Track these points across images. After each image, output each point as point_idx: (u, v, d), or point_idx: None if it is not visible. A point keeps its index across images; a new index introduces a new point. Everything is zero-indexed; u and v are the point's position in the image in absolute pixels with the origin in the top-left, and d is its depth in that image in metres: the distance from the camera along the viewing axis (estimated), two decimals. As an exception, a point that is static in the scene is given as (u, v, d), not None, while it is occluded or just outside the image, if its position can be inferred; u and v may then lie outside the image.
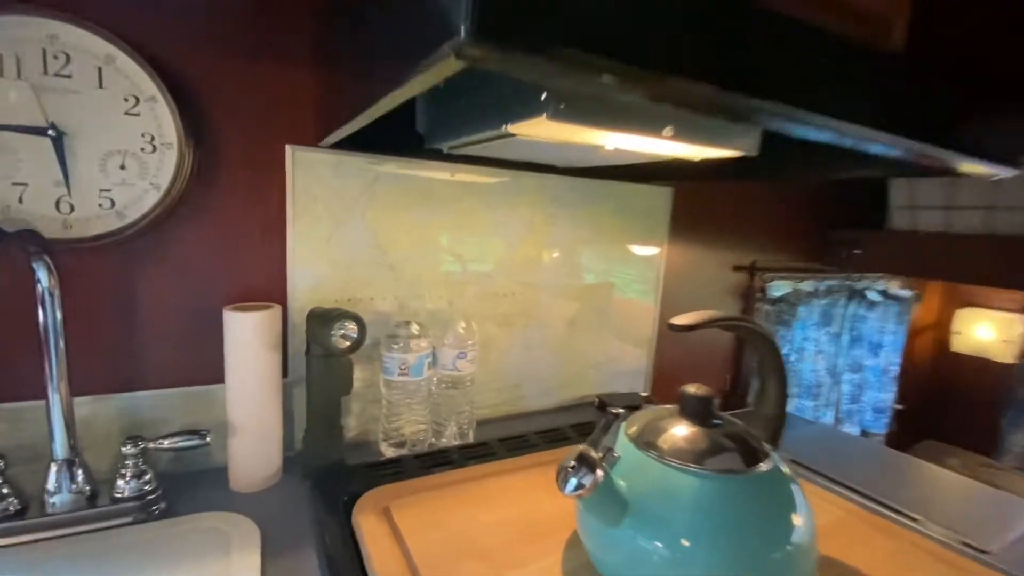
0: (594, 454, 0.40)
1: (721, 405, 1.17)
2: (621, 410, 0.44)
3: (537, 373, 0.92)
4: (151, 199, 0.58)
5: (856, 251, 1.22)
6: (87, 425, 0.58)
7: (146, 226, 0.59)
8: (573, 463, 0.39)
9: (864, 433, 1.47)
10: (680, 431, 0.46)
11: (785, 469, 0.46)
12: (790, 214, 1.23)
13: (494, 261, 0.84)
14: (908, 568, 0.52)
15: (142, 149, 0.58)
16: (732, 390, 1.20)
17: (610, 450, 0.42)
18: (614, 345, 1.00)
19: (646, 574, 0.42)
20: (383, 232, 0.74)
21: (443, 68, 0.23)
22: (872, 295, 1.34)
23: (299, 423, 0.71)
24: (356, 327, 0.64)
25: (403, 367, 0.70)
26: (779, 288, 1.17)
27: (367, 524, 0.53)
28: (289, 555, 0.51)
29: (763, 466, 0.44)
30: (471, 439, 0.77)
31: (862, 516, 0.62)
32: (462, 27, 0.20)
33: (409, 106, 0.63)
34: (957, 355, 1.61)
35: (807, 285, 1.24)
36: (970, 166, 0.48)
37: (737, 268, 1.16)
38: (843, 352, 1.35)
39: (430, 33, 0.23)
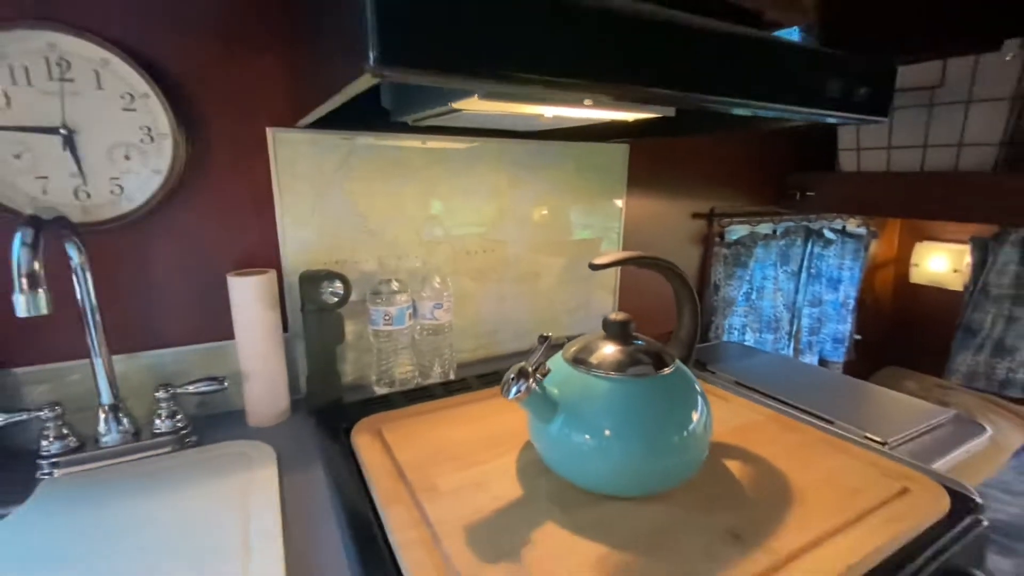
0: (529, 368, 0.51)
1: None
2: (550, 335, 0.55)
3: (512, 319, 1.03)
4: (155, 183, 0.68)
5: (809, 193, 1.30)
6: (123, 378, 0.69)
7: (153, 207, 0.68)
8: (513, 375, 0.51)
9: (823, 362, 1.60)
10: (605, 349, 0.57)
11: (688, 374, 0.57)
12: (746, 162, 1.31)
13: (465, 221, 0.93)
14: (804, 454, 0.64)
15: (141, 140, 0.66)
16: (696, 328, 1.32)
17: (543, 364, 0.53)
18: (582, 292, 1.11)
19: (578, 461, 0.54)
20: (362, 200, 0.83)
21: (364, 82, 0.32)
22: (828, 234, 1.44)
23: (302, 370, 0.82)
24: (342, 285, 0.74)
25: (387, 318, 0.81)
26: (736, 232, 1.27)
27: (362, 441, 0.65)
28: (300, 468, 0.63)
29: (667, 371, 0.55)
30: (452, 377, 0.89)
31: (779, 420, 0.74)
32: (370, 56, 0.29)
33: (373, 87, 0.71)
34: (915, 286, 1.72)
35: (764, 228, 1.33)
36: (846, 115, 0.57)
37: (696, 215, 1.25)
38: (802, 288, 1.46)
39: (354, 56, 0.32)
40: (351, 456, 0.64)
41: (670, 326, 1.28)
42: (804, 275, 1.45)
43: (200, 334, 0.75)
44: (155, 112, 0.66)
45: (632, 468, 0.53)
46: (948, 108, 1.04)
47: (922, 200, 1.13)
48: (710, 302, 1.30)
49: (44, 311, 0.48)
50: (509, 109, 0.58)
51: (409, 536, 0.48)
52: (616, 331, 0.58)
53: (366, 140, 0.82)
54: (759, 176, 1.34)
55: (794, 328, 1.48)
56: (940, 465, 0.79)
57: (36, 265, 0.48)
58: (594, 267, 0.56)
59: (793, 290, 1.45)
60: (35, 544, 0.49)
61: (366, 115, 0.72)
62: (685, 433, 0.54)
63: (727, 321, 1.32)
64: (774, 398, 0.87)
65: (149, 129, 0.66)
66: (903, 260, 1.75)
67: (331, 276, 0.74)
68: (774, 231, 1.35)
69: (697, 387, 0.57)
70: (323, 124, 0.74)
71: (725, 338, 1.32)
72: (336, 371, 0.80)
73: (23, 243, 0.48)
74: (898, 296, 1.78)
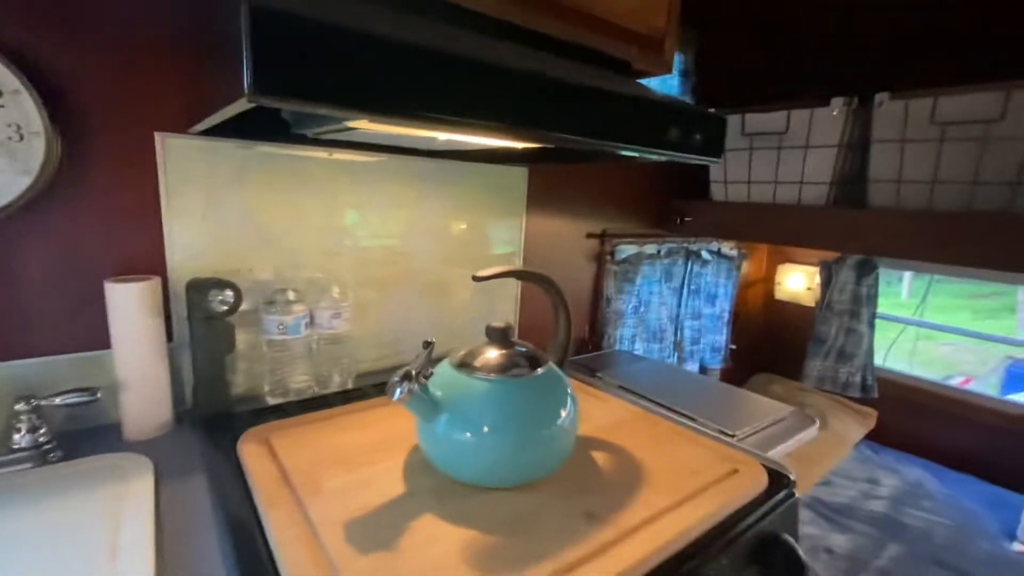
0: (413, 371, 0.55)
1: (581, 348, 1.39)
2: (433, 340, 0.59)
3: (416, 330, 1.06)
4: (22, 183, 0.64)
5: (687, 218, 1.47)
6: (-25, 391, 0.64)
7: (21, 207, 0.64)
8: (397, 378, 0.55)
9: (703, 369, 1.78)
10: (488, 354, 0.63)
11: (559, 374, 0.64)
12: (636, 188, 1.45)
13: (369, 233, 0.96)
14: (660, 445, 0.73)
15: (10, 138, 0.63)
16: (590, 336, 1.43)
17: (426, 367, 0.58)
18: (485, 304, 1.17)
19: (459, 457, 0.59)
20: (259, 209, 0.83)
21: (240, 105, 0.35)
22: (705, 255, 1.62)
23: (188, 380, 0.80)
24: (232, 293, 0.74)
25: (281, 327, 0.81)
26: (625, 251, 1.40)
27: (248, 450, 0.65)
28: (179, 479, 0.62)
29: (540, 371, 0.62)
30: (350, 386, 0.90)
31: (646, 417, 0.83)
32: (245, 85, 0.33)
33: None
34: (779, 302, 1.97)
35: (650, 248, 1.48)
36: (692, 158, 0.68)
37: (590, 235, 1.37)
38: (684, 303, 1.63)
39: (235, 81, 0.35)
40: (236, 465, 0.64)
41: (573, 333, 1.36)
42: (685, 291, 1.62)
43: (73, 343, 0.71)
44: (26, 109, 0.63)
45: (507, 461, 0.59)
46: (792, 151, 1.24)
47: (774, 228, 1.32)
48: (603, 314, 1.41)
49: None
50: (401, 131, 0.63)
51: (289, 534, 0.49)
52: (497, 337, 0.64)
53: (266, 149, 0.82)
54: (646, 201, 1.49)
55: (677, 338, 1.64)
56: (776, 452, 0.93)
57: None
58: (477, 279, 0.62)
59: (676, 304, 1.61)
60: None
61: (266, 125, 0.73)
62: (554, 427, 0.60)
63: (618, 332, 1.44)
64: (648, 399, 0.98)
65: (19, 127, 0.63)
66: (770, 279, 2.00)
67: (220, 284, 0.73)
68: (659, 251, 1.50)
69: (567, 387, 0.64)
70: (219, 132, 0.74)
71: (617, 347, 1.44)
72: (225, 381, 0.78)
73: None
74: (766, 310, 2.03)
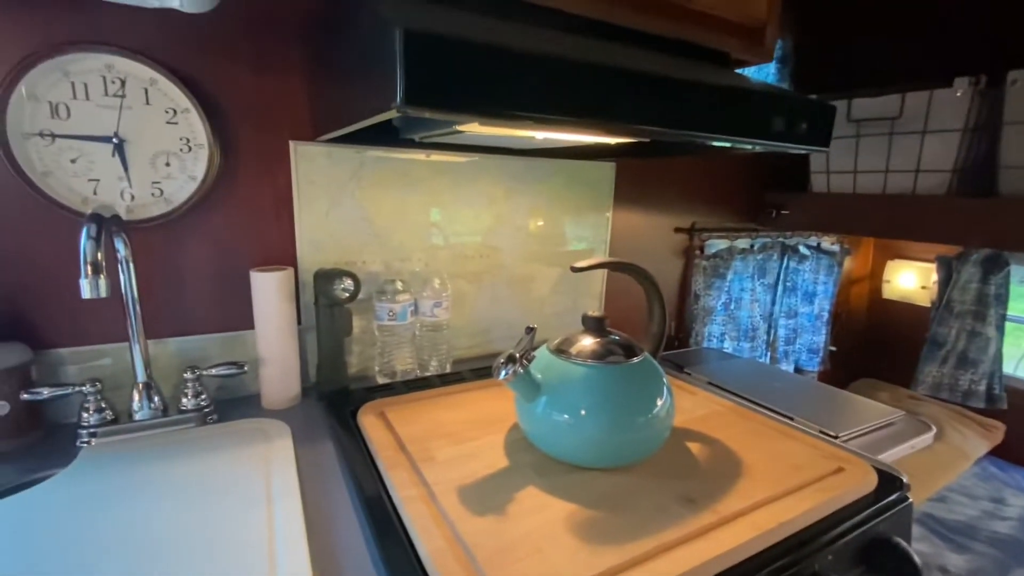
0: (517, 354, 0.60)
1: (668, 345, 1.38)
2: (535, 326, 0.63)
3: (504, 320, 1.11)
4: (190, 188, 0.76)
5: (784, 211, 1.40)
6: (154, 360, 0.77)
7: (188, 209, 0.77)
8: (503, 359, 0.59)
9: (799, 371, 1.68)
10: (583, 342, 0.66)
11: (654, 364, 0.66)
12: (726, 180, 1.41)
13: (464, 229, 1.02)
14: (756, 439, 0.72)
15: (180, 150, 0.75)
16: (676, 334, 1.41)
17: (528, 351, 0.62)
18: (570, 297, 1.20)
19: (557, 437, 0.62)
20: (371, 207, 0.92)
21: (390, 114, 0.41)
22: (803, 250, 1.53)
23: (312, 360, 0.90)
24: (352, 282, 0.83)
25: (391, 314, 0.89)
26: (715, 246, 1.36)
27: (367, 420, 0.73)
28: (311, 442, 0.71)
29: (636, 360, 0.64)
30: (448, 370, 0.97)
31: (739, 412, 0.82)
32: (397, 96, 0.38)
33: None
34: (887, 301, 1.82)
35: (742, 242, 1.43)
36: (797, 148, 0.67)
37: (678, 230, 1.35)
38: (778, 300, 1.55)
39: (381, 96, 0.41)
40: (357, 433, 0.72)
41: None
42: (780, 288, 1.55)
43: (223, 323, 0.84)
44: (194, 125, 0.75)
45: (603, 442, 0.61)
46: (906, 137, 1.15)
47: (884, 220, 1.23)
48: (690, 310, 1.39)
49: (104, 294, 0.56)
50: (504, 132, 0.68)
51: (410, 493, 0.56)
52: (593, 326, 0.67)
53: (376, 153, 0.91)
54: (738, 194, 1.44)
55: (770, 337, 1.57)
56: (885, 456, 0.88)
57: (99, 255, 0.56)
58: (575, 270, 0.65)
59: (770, 302, 1.54)
60: (77, 499, 0.57)
61: (378, 132, 0.81)
62: (649, 414, 0.62)
63: (707, 329, 1.41)
64: (739, 395, 0.96)
65: (188, 140, 0.75)
66: (876, 276, 1.85)
67: (343, 274, 0.82)
68: (752, 246, 1.45)
69: (662, 377, 0.66)
70: (339, 139, 0.83)
71: (705, 344, 1.41)
72: (344, 361, 0.88)
73: (89, 236, 0.56)
74: (871, 310, 1.88)
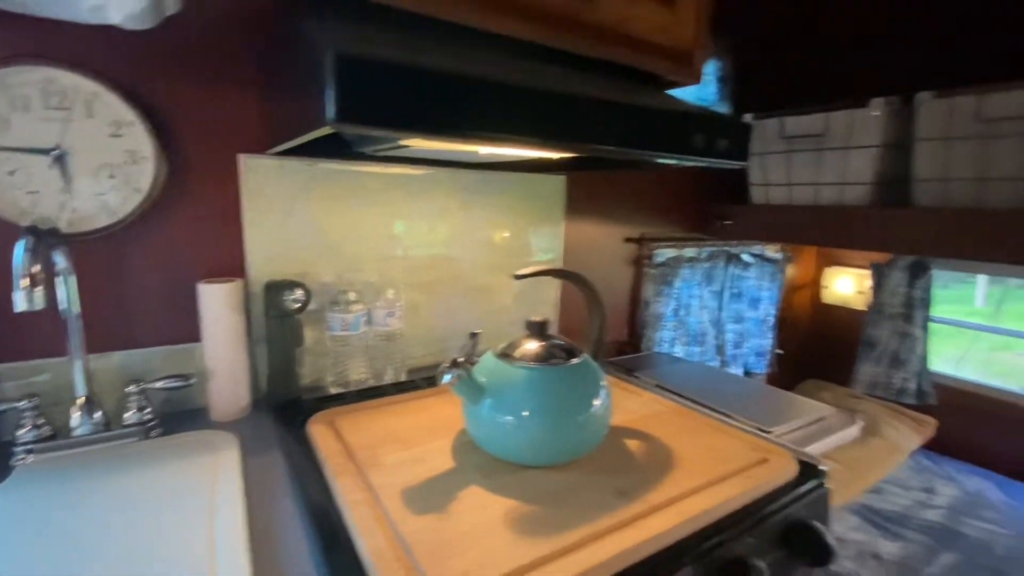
0: (460, 359, 0.62)
1: (620, 350, 1.43)
2: (479, 332, 0.66)
3: (460, 329, 1.13)
4: (135, 200, 0.76)
5: (727, 222, 1.48)
6: (97, 374, 0.76)
7: (132, 221, 0.76)
8: (446, 365, 0.62)
9: (747, 373, 1.76)
10: (527, 346, 0.69)
11: (594, 366, 0.70)
12: (674, 193, 1.48)
13: (419, 240, 1.05)
14: (691, 435, 0.76)
15: (125, 162, 0.75)
16: (629, 339, 1.46)
17: (471, 356, 0.64)
18: (527, 306, 1.23)
19: (502, 437, 0.65)
20: (324, 219, 0.94)
21: (325, 129, 0.44)
22: (747, 258, 1.62)
23: (262, 371, 0.90)
24: (303, 293, 0.84)
25: (344, 324, 0.90)
26: (663, 255, 1.43)
27: (317, 429, 0.74)
28: (259, 452, 0.72)
29: (575, 362, 0.67)
30: (403, 379, 0.99)
31: (679, 411, 0.87)
32: (328, 115, 0.40)
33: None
34: (828, 305, 1.93)
35: (690, 251, 1.50)
36: (718, 163, 0.72)
37: (628, 240, 1.41)
38: (725, 306, 1.63)
39: (319, 111, 0.43)
40: (306, 443, 0.73)
41: (613, 335, 1.41)
42: (727, 294, 1.62)
43: (170, 336, 0.83)
44: (139, 138, 0.75)
45: (544, 442, 0.64)
46: (832, 152, 1.24)
47: (816, 230, 1.31)
48: (642, 317, 1.44)
49: (39, 307, 0.56)
50: (448, 146, 0.71)
51: (355, 497, 0.57)
52: (536, 330, 0.70)
53: (329, 166, 0.92)
54: (685, 205, 1.51)
55: (719, 342, 1.64)
56: (813, 448, 0.94)
57: (35, 268, 0.56)
58: (517, 277, 0.69)
59: (717, 308, 1.62)
60: (10, 516, 0.56)
61: (329, 144, 0.83)
62: (588, 413, 0.65)
63: (658, 334, 1.46)
64: (683, 396, 1.01)
65: (133, 153, 0.75)
66: (818, 283, 1.96)
67: (293, 285, 0.83)
68: (699, 255, 1.52)
69: (601, 378, 0.69)
70: (290, 151, 0.84)
71: (656, 349, 1.46)
72: (295, 372, 0.88)
73: (25, 249, 0.56)
74: (814, 315, 1.99)
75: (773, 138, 1.34)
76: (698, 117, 0.66)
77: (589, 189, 1.30)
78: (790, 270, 1.82)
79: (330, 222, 0.94)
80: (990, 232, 0.99)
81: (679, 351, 1.55)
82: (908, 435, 1.66)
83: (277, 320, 0.84)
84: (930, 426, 1.68)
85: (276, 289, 0.83)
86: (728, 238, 1.53)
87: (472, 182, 1.09)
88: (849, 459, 1.56)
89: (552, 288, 1.27)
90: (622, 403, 0.86)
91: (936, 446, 1.67)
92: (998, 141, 0.99)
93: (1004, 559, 1.19)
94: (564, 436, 0.65)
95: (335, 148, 0.80)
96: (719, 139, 0.67)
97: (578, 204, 1.28)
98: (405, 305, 1.01)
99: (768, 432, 0.92)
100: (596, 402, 0.66)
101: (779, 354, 1.85)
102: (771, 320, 1.76)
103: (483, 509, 0.56)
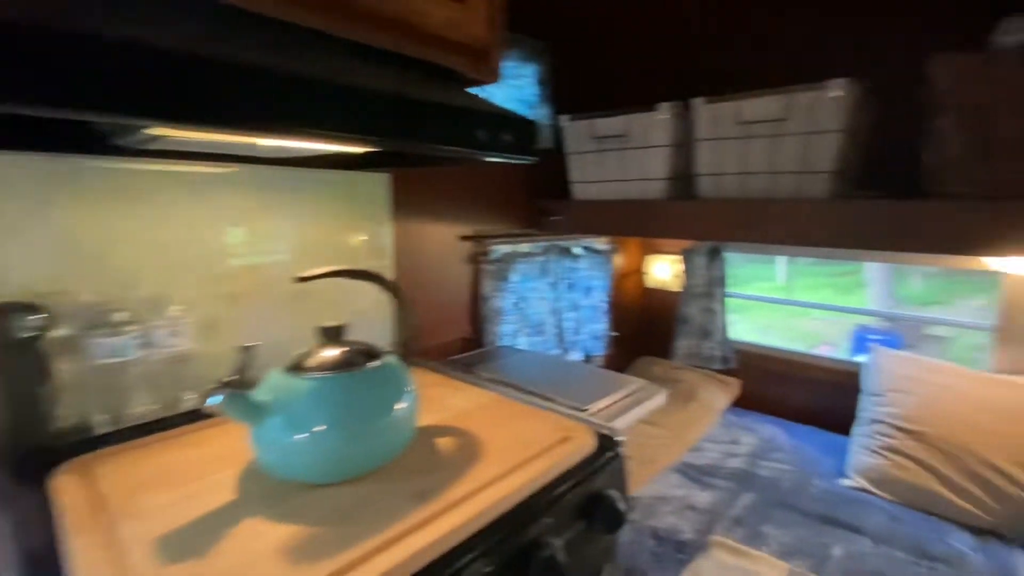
0: (230, 378, 0.55)
1: (464, 347, 1.43)
2: (254, 344, 0.60)
3: (273, 343, 1.03)
4: None
5: (554, 217, 1.57)
6: None
7: None
8: (213, 387, 0.54)
9: (588, 357, 1.89)
10: (321, 354, 0.64)
11: (395, 366, 0.67)
12: (506, 190, 1.53)
13: (211, 247, 0.92)
14: (504, 423, 0.78)
15: None
16: (474, 335, 1.47)
17: (242, 372, 0.58)
18: (354, 311, 1.16)
19: (293, 458, 0.59)
20: (78, 227, 0.78)
21: None
22: (576, 250, 1.73)
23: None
24: (41, 316, 0.69)
25: (111, 350, 0.76)
26: (499, 251, 1.46)
27: (61, 482, 0.61)
28: (-26, 523, 0.57)
29: (372, 365, 0.64)
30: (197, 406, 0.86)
31: (498, 401, 0.87)
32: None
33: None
34: (651, 290, 2.15)
35: (524, 247, 1.56)
36: (507, 158, 0.74)
37: (464, 238, 1.41)
38: (562, 296, 1.73)
39: None
40: (45, 500, 0.59)
41: (457, 333, 1.40)
42: (562, 285, 1.72)
43: None
44: None
45: (339, 455, 0.60)
46: (634, 152, 1.37)
47: (624, 222, 1.45)
48: (483, 313, 1.46)
49: None
50: (212, 138, 0.63)
51: (91, 558, 0.47)
52: (331, 336, 0.65)
53: (76, 162, 0.77)
54: (516, 202, 1.57)
55: (559, 330, 1.74)
56: (626, 418, 1.03)
57: None
58: (300, 280, 0.63)
59: (554, 298, 1.70)
60: None
61: (80, 136, 0.69)
62: (388, 418, 0.63)
63: (500, 328, 1.50)
64: (512, 386, 1.03)
65: None
66: (641, 269, 2.17)
67: (25, 308, 0.68)
68: (533, 249, 1.59)
69: (404, 378, 0.67)
70: (22, 146, 0.69)
71: (501, 343, 1.49)
72: (43, 414, 0.72)
73: None
74: (641, 298, 2.21)
75: (586, 138, 1.45)
76: (479, 113, 0.67)
77: (419, 187, 1.28)
78: (617, 260, 2.00)
79: (88, 230, 0.79)
80: (749, 219, 1.17)
81: (523, 342, 1.60)
82: (719, 396, 1.92)
83: (6, 352, 0.68)
84: (735, 386, 1.96)
85: (1, 314, 0.67)
86: (556, 233, 1.62)
87: (276, 180, 1.00)
88: (673, 423, 1.76)
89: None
90: (443, 400, 0.85)
91: (741, 403, 1.95)
92: (752, 141, 1.18)
93: (788, 492, 1.42)
94: (363, 446, 0.61)
95: (86, 141, 0.67)
96: (503, 135, 0.69)
97: (408, 203, 1.25)
98: (200, 321, 0.89)
99: (584, 410, 0.99)
100: (399, 405, 0.64)
101: (615, 336, 2.02)
102: (604, 306, 1.91)
103: (256, 542, 0.50)
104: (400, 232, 1.24)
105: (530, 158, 0.74)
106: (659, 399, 1.15)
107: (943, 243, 0.90)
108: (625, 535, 1.21)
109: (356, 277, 0.68)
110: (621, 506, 0.66)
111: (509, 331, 1.54)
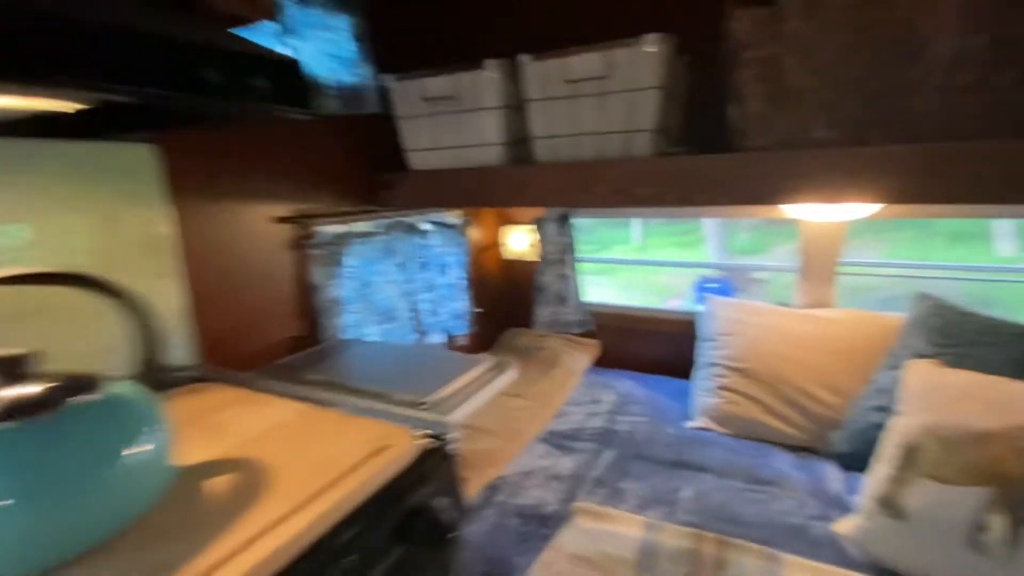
0: None
1: (297, 347, 1.25)
2: None
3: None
4: None
5: (393, 191, 1.42)
6: None
7: None
8: None
9: (450, 337, 1.80)
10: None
11: (126, 397, 0.50)
12: (331, 162, 1.34)
13: None
14: (305, 444, 0.64)
15: None
16: (309, 332, 1.29)
17: None
18: (109, 336, 0.92)
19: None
20: None
21: None
22: (424, 226, 1.61)
23: None
24: None
25: None
26: (328, 233, 1.28)
27: None
28: None
29: (79, 400, 0.47)
30: None
31: (308, 414, 0.73)
32: None
33: None
34: (510, 261, 2.12)
35: (363, 226, 1.39)
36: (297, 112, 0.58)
37: (282, 220, 1.21)
38: (413, 277, 1.60)
39: None
40: None
41: (287, 333, 1.19)
42: (413, 265, 1.59)
43: None
44: None
45: (41, 536, 0.43)
46: (468, 115, 1.27)
47: (461, 192, 1.36)
48: (314, 305, 1.28)
49: None
50: None
51: None
52: (5, 371, 0.46)
53: None
54: (349, 175, 1.39)
55: (413, 314, 1.61)
56: (473, 403, 0.95)
57: None
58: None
59: (405, 280, 1.57)
60: None
61: None
62: (114, 470, 0.46)
63: (339, 320, 1.33)
64: (338, 388, 0.90)
65: None
66: (498, 241, 2.12)
67: None
68: (375, 228, 1.43)
69: (145, 410, 0.50)
70: None
71: (341, 337, 1.33)
72: None
73: None
74: (501, 271, 2.16)
75: (416, 101, 1.31)
76: (205, 50, 0.50)
77: (208, 161, 1.05)
78: (472, 233, 1.91)
79: None
80: (581, 181, 1.15)
81: (373, 332, 1.45)
82: (580, 359, 1.97)
83: None
84: (595, 347, 2.02)
85: None
86: (392, 208, 1.47)
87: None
88: (536, 393, 1.75)
89: (172, 293, 0.99)
90: (232, 424, 0.69)
91: (601, 362, 2.02)
92: (580, 100, 1.14)
93: (643, 443, 1.49)
94: (72, 518, 0.44)
95: None
96: (250, 78, 0.53)
97: (194, 181, 1.02)
98: None
99: (422, 403, 0.89)
100: (133, 450, 0.48)
101: (479, 312, 1.95)
102: (463, 283, 1.83)
103: None
104: (189, 219, 1.01)
105: (302, 111, 0.60)
106: (510, 374, 1.09)
107: (747, 195, 0.94)
108: (488, 521, 1.16)
109: (48, 283, 0.49)
110: (446, 516, 0.58)
111: (353, 322, 1.39)
